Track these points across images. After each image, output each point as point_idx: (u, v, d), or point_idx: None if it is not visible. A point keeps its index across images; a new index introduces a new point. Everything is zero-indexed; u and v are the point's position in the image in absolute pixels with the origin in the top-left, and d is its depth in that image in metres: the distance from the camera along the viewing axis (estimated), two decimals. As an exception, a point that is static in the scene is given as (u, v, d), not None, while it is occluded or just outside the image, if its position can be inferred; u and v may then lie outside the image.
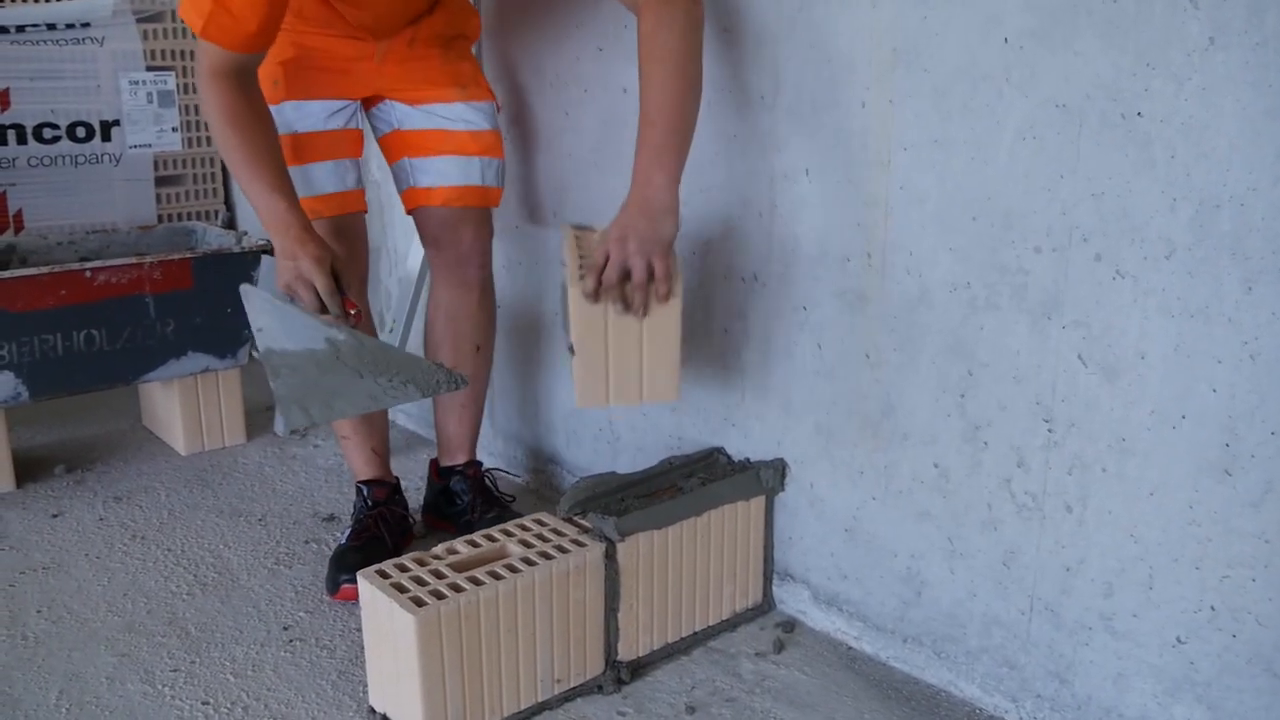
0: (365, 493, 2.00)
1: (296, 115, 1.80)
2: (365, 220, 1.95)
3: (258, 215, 1.60)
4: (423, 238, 2.00)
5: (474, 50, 2.00)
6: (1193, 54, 1.16)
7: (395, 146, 1.93)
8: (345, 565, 1.84)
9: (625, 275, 1.42)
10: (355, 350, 1.47)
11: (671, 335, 1.47)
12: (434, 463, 2.12)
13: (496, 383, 2.35)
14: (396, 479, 2.06)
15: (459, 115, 1.89)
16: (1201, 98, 1.16)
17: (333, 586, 1.85)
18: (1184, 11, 1.15)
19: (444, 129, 1.89)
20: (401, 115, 1.90)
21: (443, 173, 1.90)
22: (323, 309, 1.54)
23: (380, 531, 1.94)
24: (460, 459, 2.06)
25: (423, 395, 1.49)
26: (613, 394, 1.50)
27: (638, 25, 1.49)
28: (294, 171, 1.71)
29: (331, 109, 1.84)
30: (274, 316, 1.51)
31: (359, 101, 1.90)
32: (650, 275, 1.42)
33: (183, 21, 1.95)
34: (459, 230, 1.93)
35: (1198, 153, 1.17)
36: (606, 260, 1.42)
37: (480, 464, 2.07)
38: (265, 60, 1.67)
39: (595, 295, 1.43)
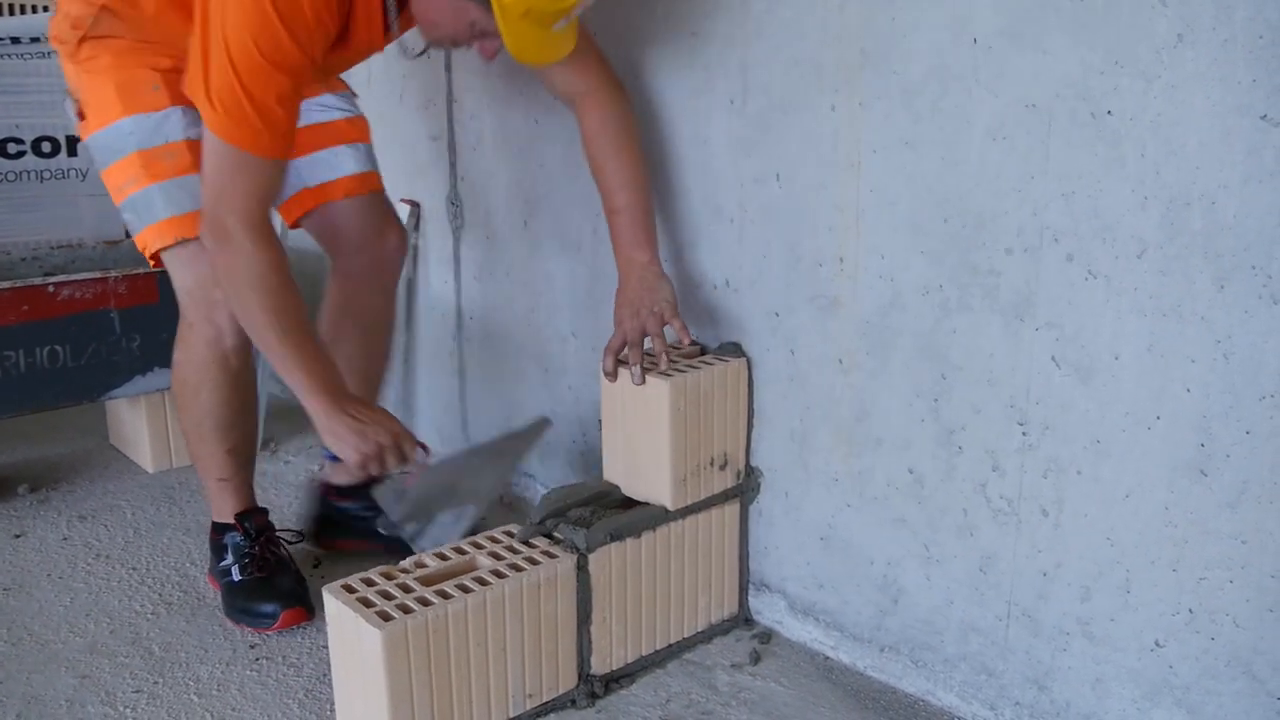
0: (248, 524, 1.79)
1: (188, 121, 1.61)
2: None
3: (302, 391, 1.52)
4: (328, 244, 1.84)
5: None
6: (1161, 51, 1.15)
7: None
8: (268, 593, 1.71)
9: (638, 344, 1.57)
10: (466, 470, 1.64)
11: (663, 444, 1.55)
12: (325, 483, 1.96)
13: (468, 394, 2.33)
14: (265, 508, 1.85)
15: (331, 104, 1.78)
16: (1170, 95, 1.15)
17: (263, 619, 1.71)
18: (1152, 9, 1.15)
19: (320, 121, 1.75)
20: None
21: (331, 165, 1.75)
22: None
23: (280, 553, 1.81)
24: None
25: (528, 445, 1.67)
26: (625, 481, 1.65)
27: (581, 122, 1.62)
28: (174, 184, 1.60)
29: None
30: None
31: None
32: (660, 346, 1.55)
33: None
34: (380, 228, 1.80)
35: (1167, 150, 1.16)
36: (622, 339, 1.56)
37: None
38: (141, 66, 1.58)
39: (613, 373, 1.57)
